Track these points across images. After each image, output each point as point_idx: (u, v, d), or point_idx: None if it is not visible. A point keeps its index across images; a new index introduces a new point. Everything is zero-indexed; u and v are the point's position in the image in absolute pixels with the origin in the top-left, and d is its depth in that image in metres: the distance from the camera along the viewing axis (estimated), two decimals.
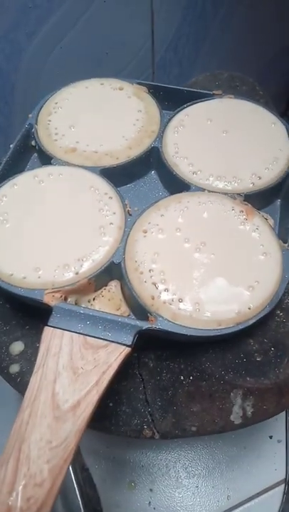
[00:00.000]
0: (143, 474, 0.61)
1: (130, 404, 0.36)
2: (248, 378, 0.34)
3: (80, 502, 0.58)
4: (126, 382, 0.37)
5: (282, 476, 0.61)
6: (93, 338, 0.31)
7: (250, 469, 0.61)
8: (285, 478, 0.61)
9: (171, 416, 0.36)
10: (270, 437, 0.62)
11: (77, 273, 0.35)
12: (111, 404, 0.36)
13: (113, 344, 0.31)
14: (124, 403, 0.36)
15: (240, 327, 0.32)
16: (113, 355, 0.30)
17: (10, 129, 0.69)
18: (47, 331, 0.31)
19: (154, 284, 0.34)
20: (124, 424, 0.36)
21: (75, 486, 0.59)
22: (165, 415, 0.36)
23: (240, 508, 0.58)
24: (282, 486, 0.60)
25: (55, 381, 0.28)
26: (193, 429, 0.36)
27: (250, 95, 0.52)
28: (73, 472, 0.60)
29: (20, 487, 0.23)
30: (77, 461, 0.60)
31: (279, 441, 0.63)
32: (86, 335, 0.31)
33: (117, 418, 0.36)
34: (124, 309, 0.37)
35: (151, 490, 0.60)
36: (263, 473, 0.61)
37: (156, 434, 0.36)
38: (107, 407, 0.36)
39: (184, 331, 0.32)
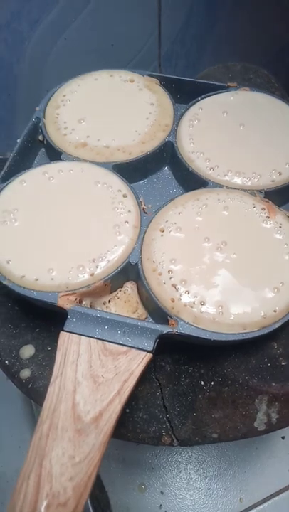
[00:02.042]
0: (153, 476, 0.60)
1: (148, 410, 0.35)
2: (273, 384, 0.33)
3: (90, 505, 0.57)
4: (142, 386, 0.35)
5: None
6: (112, 344, 0.29)
7: (263, 471, 0.60)
8: None
9: (191, 422, 0.34)
10: (283, 438, 0.61)
11: (92, 274, 0.33)
12: (128, 411, 0.35)
13: (134, 350, 0.29)
14: (141, 409, 0.35)
15: (266, 331, 0.31)
16: (134, 361, 0.28)
17: (13, 123, 0.67)
18: (63, 336, 0.30)
19: (174, 285, 0.33)
20: (141, 431, 0.35)
21: None
22: (184, 421, 0.34)
23: (254, 511, 0.57)
24: None
25: (75, 391, 0.26)
26: (215, 435, 0.34)
27: (266, 87, 0.50)
28: None
29: (43, 507, 0.22)
30: None
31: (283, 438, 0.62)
32: (105, 340, 0.30)
33: (134, 425, 0.35)
34: (142, 312, 0.35)
35: (162, 492, 0.59)
36: (275, 474, 0.59)
37: (175, 441, 0.35)
38: (123, 414, 0.34)
39: (207, 336, 0.31)
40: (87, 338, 0.30)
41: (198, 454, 0.61)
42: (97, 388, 0.26)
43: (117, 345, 0.29)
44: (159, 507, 0.58)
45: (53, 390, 0.26)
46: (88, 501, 0.56)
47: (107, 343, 0.29)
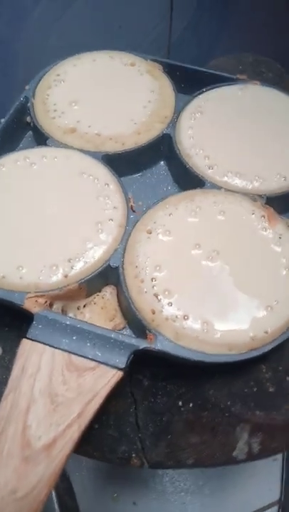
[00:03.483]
0: (127, 486, 0.57)
1: (119, 427, 0.32)
2: (257, 412, 0.29)
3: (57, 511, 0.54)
4: (115, 401, 0.32)
5: (276, 496, 0.57)
6: (80, 358, 0.26)
7: (243, 488, 0.57)
8: (280, 499, 0.57)
9: (165, 445, 0.31)
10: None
11: (66, 276, 0.30)
12: (96, 427, 0.32)
13: (102, 366, 0.26)
14: (111, 426, 0.32)
15: (255, 354, 0.28)
16: (101, 380, 0.25)
17: (10, 106, 0.63)
18: (25, 344, 0.26)
19: (156, 295, 0.29)
20: (110, 451, 0.31)
21: (53, 493, 0.55)
22: (158, 443, 0.31)
23: None
24: (276, 507, 0.57)
25: (29, 410, 0.23)
26: (190, 461, 0.31)
27: (277, 83, 0.46)
28: None
29: None
30: None
31: (274, 460, 0.59)
32: (71, 353, 0.26)
33: (102, 443, 0.31)
34: (120, 321, 0.32)
35: (134, 503, 0.56)
36: (256, 493, 0.57)
37: (145, 463, 0.32)
38: (91, 430, 0.31)
39: (188, 355, 0.27)
40: (52, 348, 0.26)
41: None
42: (55, 409, 0.23)
43: (84, 360, 0.26)
44: None
45: (4, 406, 0.23)
46: (56, 507, 0.53)
47: (73, 356, 0.26)
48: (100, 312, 0.32)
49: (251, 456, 0.30)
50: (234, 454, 0.30)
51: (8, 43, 0.58)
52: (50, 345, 0.26)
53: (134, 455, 0.31)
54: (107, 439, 0.31)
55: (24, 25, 0.57)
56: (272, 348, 0.29)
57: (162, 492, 0.56)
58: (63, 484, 0.56)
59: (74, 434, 0.22)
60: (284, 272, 0.30)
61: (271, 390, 0.30)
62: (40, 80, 0.41)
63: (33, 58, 0.61)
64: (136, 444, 0.31)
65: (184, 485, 0.57)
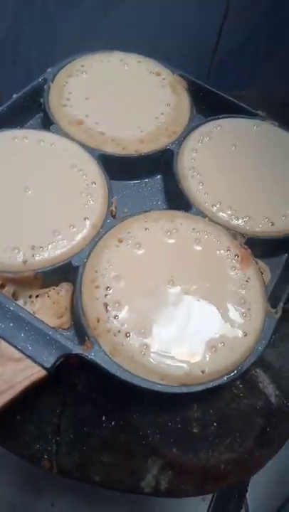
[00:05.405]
0: (51, 481, 0.56)
1: (39, 425, 0.31)
2: (174, 449, 0.28)
3: None
4: (44, 397, 0.32)
5: None
6: (9, 346, 0.26)
7: None
8: None
9: (77, 456, 0.30)
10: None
11: (25, 262, 0.30)
12: (18, 417, 0.31)
13: (28, 361, 0.25)
14: (33, 422, 0.31)
15: (184, 390, 0.27)
16: (21, 374, 0.24)
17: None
18: None
19: (106, 305, 0.29)
20: (24, 446, 0.31)
21: None
22: (72, 452, 0.30)
23: None
24: None
25: None
26: (97, 479, 0.30)
27: None
28: None
29: None
30: None
31: (203, 500, 0.58)
32: (2, 338, 0.26)
33: (18, 436, 0.31)
34: (66, 320, 0.31)
35: (52, 505, 0.55)
36: None
37: (54, 468, 0.31)
38: (12, 419, 0.31)
39: (117, 372, 0.27)
40: None
41: None
42: None
43: (12, 349, 0.26)
44: None
45: None
46: None
47: (3, 342, 0.26)
48: (50, 306, 0.31)
49: (157, 492, 0.29)
50: (142, 484, 0.29)
51: (53, 22, 0.59)
52: None
53: (46, 456, 0.30)
54: (24, 433, 0.31)
55: (75, 9, 0.58)
56: (208, 390, 0.28)
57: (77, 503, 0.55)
58: None
59: None
60: (240, 317, 0.29)
61: (195, 430, 0.29)
62: (63, 66, 0.41)
63: (73, 45, 0.62)
64: (51, 447, 0.31)
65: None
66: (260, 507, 0.56)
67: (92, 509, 0.54)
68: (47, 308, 0.31)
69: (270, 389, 0.32)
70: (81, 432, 0.31)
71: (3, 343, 0.26)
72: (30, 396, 0.28)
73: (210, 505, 0.58)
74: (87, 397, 0.32)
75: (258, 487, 0.55)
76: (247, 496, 0.55)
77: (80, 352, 0.27)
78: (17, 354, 0.25)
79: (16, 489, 0.55)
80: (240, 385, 0.32)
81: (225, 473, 0.29)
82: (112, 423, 0.30)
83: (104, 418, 0.31)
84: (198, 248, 0.32)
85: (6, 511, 0.54)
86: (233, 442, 0.29)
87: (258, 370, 0.33)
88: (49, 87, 0.39)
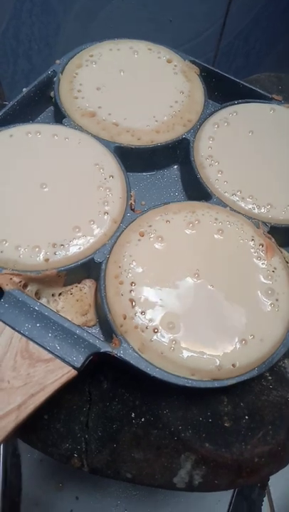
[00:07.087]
0: (74, 479, 0.56)
1: (67, 423, 0.31)
2: (206, 444, 0.28)
3: (0, 487, 0.54)
4: (70, 396, 0.31)
5: None
6: (37, 346, 0.25)
7: None
8: None
9: (108, 453, 0.30)
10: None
11: (47, 260, 0.29)
12: (46, 417, 0.31)
13: (57, 361, 0.25)
14: (61, 420, 0.31)
15: (216, 385, 0.26)
16: (52, 375, 0.24)
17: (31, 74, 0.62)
18: None
19: (132, 300, 0.28)
20: (52, 445, 0.31)
21: (0, 468, 0.54)
22: (102, 449, 0.30)
23: None
24: None
25: None
26: (128, 475, 0.30)
27: None
28: (3, 454, 0.55)
29: None
30: (11, 443, 0.55)
31: (218, 502, 0.57)
32: (30, 339, 0.25)
33: (47, 435, 0.31)
34: (91, 317, 0.31)
35: (77, 498, 0.55)
36: None
37: (85, 466, 0.31)
38: (40, 419, 0.30)
39: (147, 369, 0.26)
40: (12, 330, 0.25)
41: None
42: None
43: (41, 349, 0.25)
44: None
45: None
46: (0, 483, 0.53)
47: (31, 343, 0.25)
48: (74, 304, 0.31)
49: (191, 487, 0.29)
50: (174, 480, 0.29)
51: (55, 12, 0.57)
52: (11, 327, 0.26)
53: (76, 455, 0.30)
54: (53, 433, 0.31)
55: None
56: (238, 383, 0.27)
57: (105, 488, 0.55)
58: (12, 460, 0.56)
59: (9, 424, 0.21)
60: (268, 308, 0.29)
61: (227, 424, 0.29)
62: (72, 57, 0.40)
63: (76, 33, 0.60)
64: (80, 445, 0.30)
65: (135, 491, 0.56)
66: (283, 495, 0.56)
67: (115, 501, 0.55)
68: (70, 305, 0.31)
69: None
70: (110, 429, 0.30)
71: (31, 344, 0.25)
72: (56, 395, 0.27)
73: (233, 493, 0.58)
74: (114, 393, 0.31)
75: (281, 475, 0.55)
76: (269, 484, 0.55)
77: (109, 350, 0.26)
78: (46, 355, 0.25)
79: (39, 484, 0.55)
80: (269, 377, 0.31)
81: (258, 466, 0.29)
82: (142, 419, 0.30)
83: (133, 415, 0.30)
84: (222, 238, 0.31)
85: (29, 506, 0.54)
86: (266, 434, 0.29)
87: (286, 361, 0.32)
88: (59, 80, 0.38)
